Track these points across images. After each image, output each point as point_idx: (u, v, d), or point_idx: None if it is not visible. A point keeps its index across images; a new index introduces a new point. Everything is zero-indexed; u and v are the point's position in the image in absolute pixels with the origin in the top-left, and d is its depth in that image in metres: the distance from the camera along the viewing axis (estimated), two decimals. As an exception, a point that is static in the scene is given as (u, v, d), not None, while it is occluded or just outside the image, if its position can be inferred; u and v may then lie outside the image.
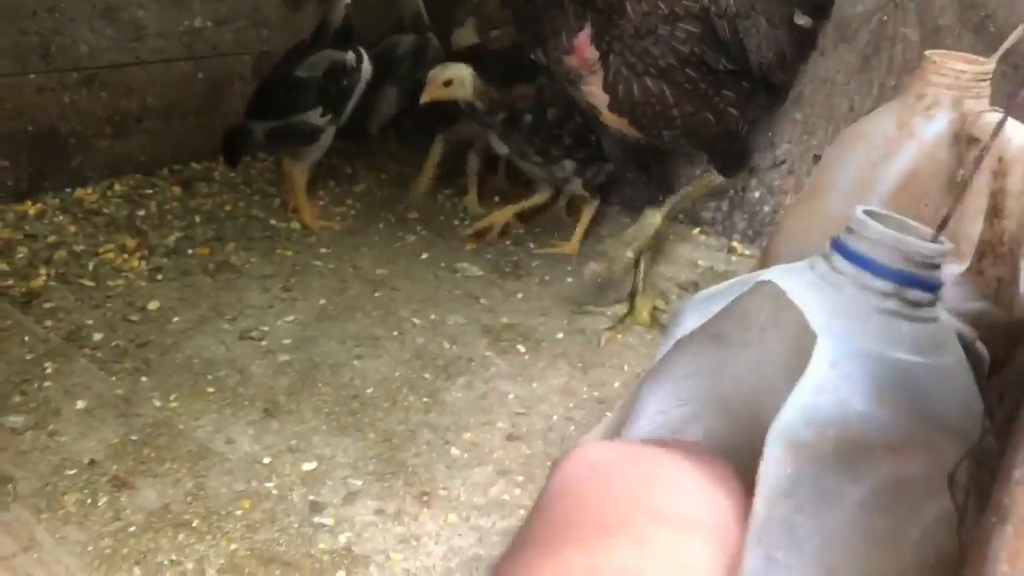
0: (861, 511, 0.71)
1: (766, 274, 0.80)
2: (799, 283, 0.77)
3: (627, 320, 2.10)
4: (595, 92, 1.82)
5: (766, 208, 2.52)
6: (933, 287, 0.74)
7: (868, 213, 0.78)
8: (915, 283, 0.73)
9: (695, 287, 2.29)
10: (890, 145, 1.17)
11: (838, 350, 0.71)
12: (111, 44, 2.36)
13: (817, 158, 2.40)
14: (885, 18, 2.20)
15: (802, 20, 2.14)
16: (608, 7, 1.70)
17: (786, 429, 0.73)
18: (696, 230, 2.63)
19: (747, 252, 2.53)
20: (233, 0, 2.57)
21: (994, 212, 1.11)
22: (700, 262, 2.45)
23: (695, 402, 0.89)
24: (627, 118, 1.86)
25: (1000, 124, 0.88)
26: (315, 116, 2.24)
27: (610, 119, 1.88)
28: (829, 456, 0.71)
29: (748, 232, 2.56)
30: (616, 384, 1.85)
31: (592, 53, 1.75)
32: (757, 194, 2.52)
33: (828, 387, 0.71)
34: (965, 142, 1.14)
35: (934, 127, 1.16)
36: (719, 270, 2.41)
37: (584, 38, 1.74)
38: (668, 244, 2.55)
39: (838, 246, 0.78)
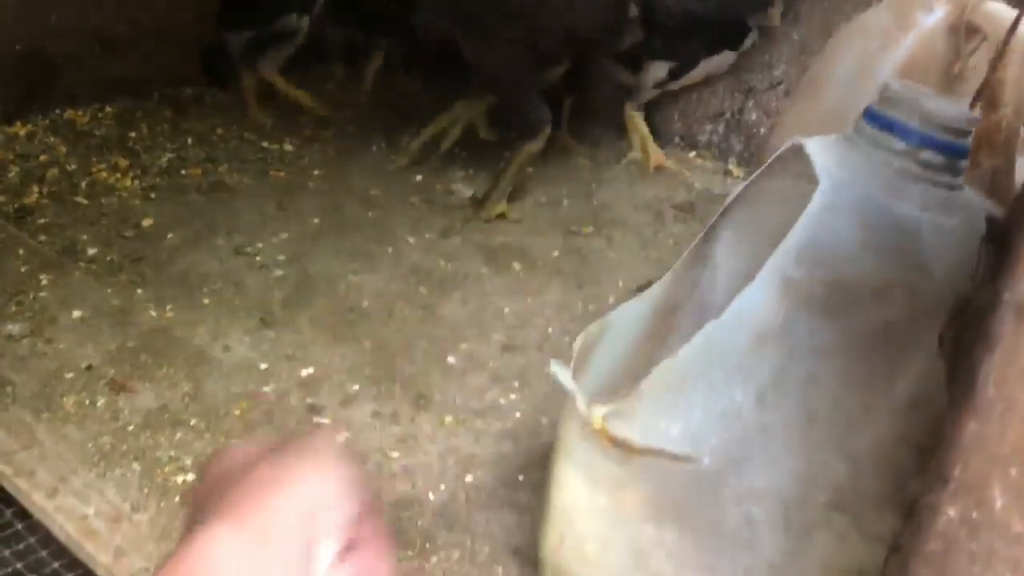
0: (845, 357, 0.73)
1: (797, 139, 0.82)
2: (820, 143, 0.80)
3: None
4: None
5: (763, 130, 2.50)
6: (953, 151, 0.75)
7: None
8: (932, 144, 0.74)
9: (691, 208, 2.29)
10: (889, 36, 1.16)
11: (837, 195, 0.73)
12: (100, -37, 2.32)
13: (814, 79, 2.38)
14: (885, -67, 2.17)
15: None
16: None
17: (779, 266, 0.77)
18: (692, 153, 2.62)
19: (743, 174, 2.52)
20: (223, -82, 2.51)
21: (990, 102, 1.11)
22: (696, 184, 2.44)
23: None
24: None
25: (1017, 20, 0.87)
26: (293, 20, 2.23)
27: None
28: (818, 297, 0.73)
29: (745, 155, 2.55)
30: (611, 299, 1.85)
31: None
32: (754, 116, 2.51)
33: (821, 228, 0.73)
34: (964, 32, 1.13)
35: (931, 17, 1.15)
36: (715, 192, 2.40)
37: None
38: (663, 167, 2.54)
39: (867, 112, 0.80)
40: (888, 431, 0.75)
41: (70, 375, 1.42)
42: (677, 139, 2.66)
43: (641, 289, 1.89)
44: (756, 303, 0.78)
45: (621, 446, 0.82)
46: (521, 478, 1.31)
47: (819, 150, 0.80)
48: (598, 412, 0.83)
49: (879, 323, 0.73)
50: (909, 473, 0.73)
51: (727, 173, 2.52)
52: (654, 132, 2.60)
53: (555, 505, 0.91)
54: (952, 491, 0.59)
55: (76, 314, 1.58)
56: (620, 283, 1.91)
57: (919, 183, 0.75)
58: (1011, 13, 1.08)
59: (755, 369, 0.77)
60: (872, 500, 0.75)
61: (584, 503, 0.86)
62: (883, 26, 1.17)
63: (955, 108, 0.74)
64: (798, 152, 0.84)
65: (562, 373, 0.88)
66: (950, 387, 0.71)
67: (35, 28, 2.26)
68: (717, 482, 0.78)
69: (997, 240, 0.72)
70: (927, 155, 0.75)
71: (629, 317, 1.06)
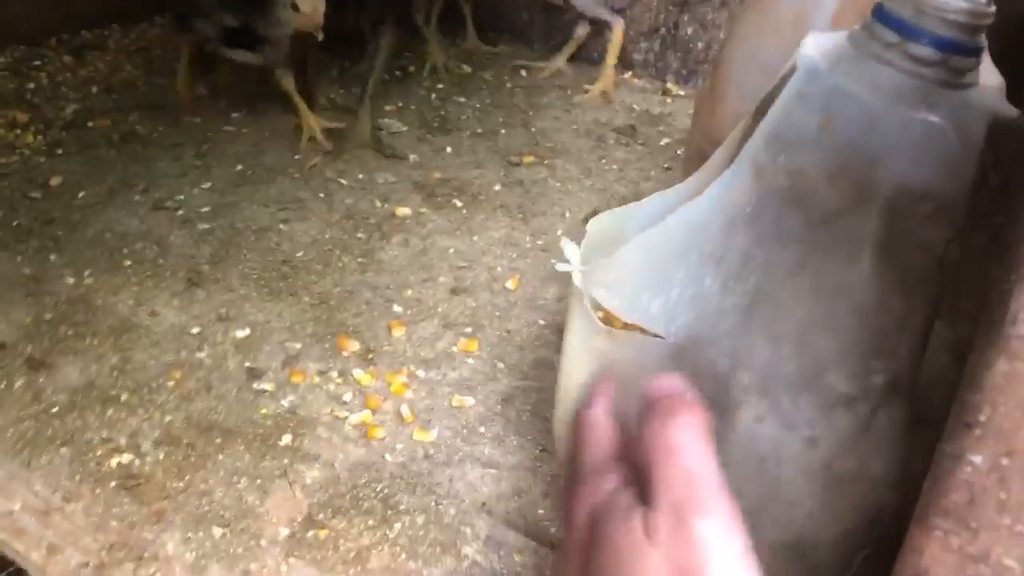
0: (797, 244, 0.75)
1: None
2: (821, 38, 0.80)
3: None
4: None
5: (699, 45, 2.43)
6: (949, 46, 0.69)
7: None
8: (921, 37, 0.68)
9: (632, 131, 2.21)
10: (845, -65, 1.08)
11: (809, 83, 0.74)
12: None
13: (750, -12, 2.29)
14: None
15: None
16: None
17: (751, 151, 0.79)
18: (628, 74, 2.53)
19: (682, 92, 2.45)
20: None
21: None
22: (635, 106, 2.37)
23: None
24: None
25: None
26: None
27: None
28: (783, 185, 0.75)
29: (682, 72, 2.47)
30: (559, 231, 1.78)
31: None
32: (690, 30, 2.42)
33: (789, 116, 0.75)
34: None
35: (892, -87, 1.07)
36: (655, 112, 2.33)
37: None
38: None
39: (875, 7, 0.76)
40: (809, 318, 0.75)
41: (-19, 356, 1.30)
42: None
43: (590, 219, 1.83)
44: (731, 188, 0.80)
45: (611, 320, 0.85)
46: (483, 430, 1.24)
47: (813, 43, 0.78)
48: (594, 286, 0.87)
49: (828, 212, 0.72)
50: (827, 363, 0.74)
51: (665, 92, 2.45)
52: (580, 53, 2.52)
53: (561, 384, 0.92)
54: (978, 437, 0.54)
55: (-18, 288, 1.44)
56: (566, 214, 1.84)
57: (905, 77, 0.71)
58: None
59: (724, 254, 0.79)
60: (789, 385, 0.75)
61: (577, 375, 0.88)
62: (840, -76, 1.09)
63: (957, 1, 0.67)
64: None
65: (569, 247, 0.92)
66: (975, 321, 0.66)
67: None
68: (680, 362, 0.80)
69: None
70: (916, 48, 0.70)
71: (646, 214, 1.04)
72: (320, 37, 1.81)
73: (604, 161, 2.07)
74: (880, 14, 0.73)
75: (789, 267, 0.76)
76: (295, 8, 1.77)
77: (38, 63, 2.25)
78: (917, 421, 0.70)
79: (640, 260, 0.87)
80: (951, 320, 0.74)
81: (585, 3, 2.37)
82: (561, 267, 0.95)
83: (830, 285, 0.74)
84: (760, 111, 0.94)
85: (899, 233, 0.71)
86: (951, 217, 0.71)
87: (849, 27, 0.89)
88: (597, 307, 0.89)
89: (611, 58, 2.42)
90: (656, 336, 0.83)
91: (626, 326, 0.86)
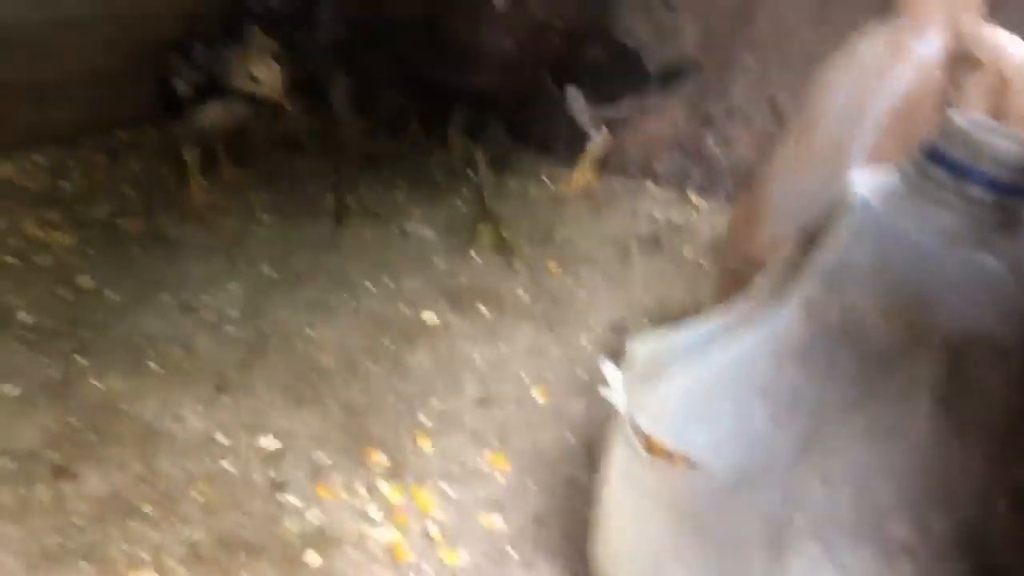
0: (849, 381, 0.73)
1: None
2: (872, 173, 0.82)
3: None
4: None
5: (721, 159, 2.46)
6: (1007, 190, 0.70)
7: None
8: (980, 180, 0.69)
9: (656, 241, 2.23)
10: (882, 68, 1.11)
11: (862, 221, 0.75)
12: (29, 7, 2.17)
13: (772, 105, 2.34)
14: (840, -43, 2.14)
15: None
16: None
17: (805, 289, 0.79)
18: (651, 184, 2.56)
19: (704, 204, 2.47)
20: (156, -43, 2.40)
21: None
22: (657, 215, 2.38)
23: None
24: None
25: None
26: None
27: None
28: (836, 321, 0.75)
29: (705, 184, 2.49)
30: (583, 341, 1.77)
31: None
32: (712, 145, 2.46)
33: (845, 254, 0.75)
34: (961, 61, 1.08)
35: (927, 47, 1.10)
36: (677, 223, 2.35)
37: None
38: (622, 198, 2.48)
39: (922, 145, 0.78)
40: (866, 460, 0.74)
41: (7, 463, 1.28)
42: (635, 170, 2.60)
43: (616, 331, 1.82)
44: (780, 322, 0.80)
45: (654, 448, 0.85)
46: (513, 553, 1.21)
47: (863, 181, 0.79)
48: (637, 412, 0.87)
49: (883, 352, 0.72)
50: (886, 509, 0.72)
51: (688, 203, 2.47)
52: (606, 162, 2.56)
53: (599, 503, 0.93)
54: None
55: (11, 391, 1.44)
56: (593, 323, 1.83)
57: (959, 218, 0.71)
58: (1009, 39, 1.04)
59: (774, 390, 0.78)
60: (846, 531, 0.74)
61: (618, 503, 0.89)
62: (877, 57, 1.11)
63: (1013, 144, 0.68)
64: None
65: (609, 370, 0.94)
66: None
67: (-42, 77, 2.11)
68: (727, 496, 0.79)
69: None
70: (972, 190, 0.71)
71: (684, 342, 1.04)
72: (287, 106, 1.90)
73: (629, 271, 2.08)
74: (934, 154, 0.74)
75: (843, 406, 0.75)
76: (253, 79, 1.86)
77: (74, 163, 2.29)
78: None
79: (686, 390, 0.87)
80: (1013, 467, 0.72)
81: (576, 110, 2.41)
82: (604, 392, 0.94)
83: (886, 427, 0.73)
84: (806, 242, 0.94)
85: (958, 376, 0.70)
86: (1010, 361, 0.70)
87: (888, 158, 0.90)
88: (639, 432, 0.88)
89: (584, 162, 2.47)
90: (703, 469, 0.81)
91: (670, 456, 0.84)
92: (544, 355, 1.71)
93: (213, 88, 1.96)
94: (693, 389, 0.86)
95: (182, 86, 1.99)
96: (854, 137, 1.09)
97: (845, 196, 0.80)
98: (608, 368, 0.95)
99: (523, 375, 1.64)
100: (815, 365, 0.77)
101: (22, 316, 1.66)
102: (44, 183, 2.17)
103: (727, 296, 1.36)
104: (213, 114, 1.99)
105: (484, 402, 1.55)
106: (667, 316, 1.87)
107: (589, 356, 1.72)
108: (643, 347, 1.00)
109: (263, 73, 1.80)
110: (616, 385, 0.93)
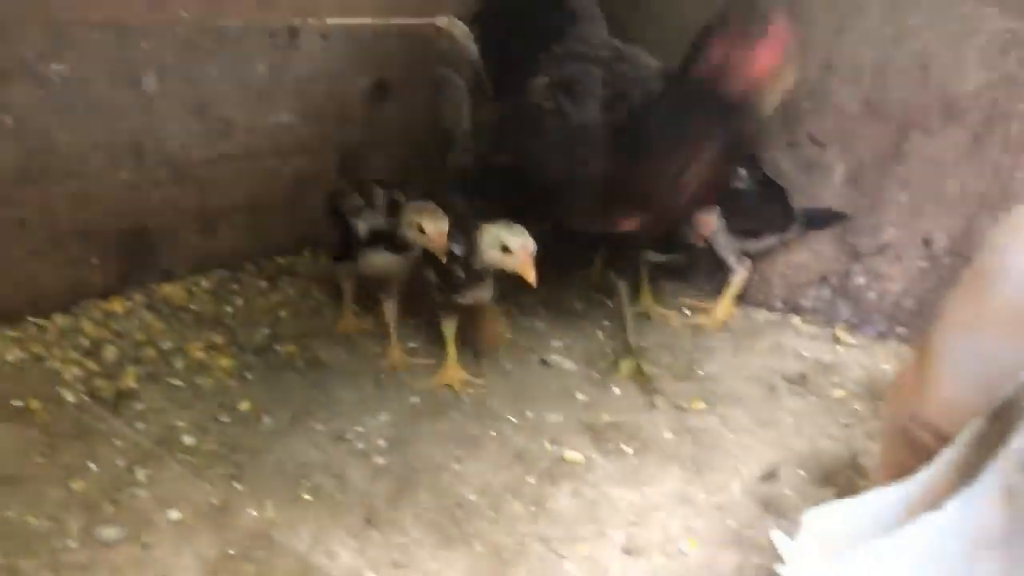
0: None
1: None
2: None
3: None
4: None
5: (872, 295, 2.39)
6: None
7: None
8: None
9: (804, 379, 2.16)
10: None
11: None
12: (200, 140, 2.36)
13: (926, 242, 2.28)
14: (997, 95, 2.10)
15: None
16: None
17: (1002, 472, 0.76)
18: (797, 318, 2.50)
19: (853, 341, 2.39)
20: (319, 96, 2.57)
21: None
22: (804, 352, 2.32)
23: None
24: None
25: None
26: None
27: None
28: None
29: (853, 320, 2.43)
30: (735, 488, 1.71)
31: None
32: (862, 280, 2.40)
33: None
34: None
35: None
36: (826, 361, 2.28)
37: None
38: (766, 332, 2.43)
39: None
40: None
41: (169, 590, 1.33)
42: (779, 304, 2.56)
43: (767, 479, 1.76)
44: (975, 508, 0.77)
45: None
46: None
47: None
48: None
49: None
50: None
51: (836, 340, 2.40)
52: (749, 294, 2.53)
53: None
54: None
55: (174, 515, 1.49)
56: (742, 469, 1.78)
57: None
58: None
59: None
60: None
61: None
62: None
63: None
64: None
65: (782, 543, 0.92)
66: None
67: (139, 207, 2.28)
68: None
69: None
70: None
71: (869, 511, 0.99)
72: (443, 259, 1.87)
73: (777, 412, 2.02)
74: None
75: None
76: (421, 231, 1.87)
77: (236, 287, 2.42)
78: None
79: (870, 573, 0.82)
80: None
81: (719, 243, 2.40)
82: (779, 569, 0.91)
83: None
84: (1000, 417, 0.90)
85: None
86: None
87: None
88: None
89: (727, 297, 2.47)
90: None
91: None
92: (691, 502, 1.66)
93: (382, 235, 2.02)
94: (877, 573, 0.82)
95: (361, 227, 2.04)
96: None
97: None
98: (781, 542, 0.91)
99: (670, 523, 1.60)
100: (1017, 559, 0.72)
101: (186, 439, 1.74)
102: (209, 306, 2.30)
103: (894, 456, 1.30)
104: (383, 260, 2.03)
105: (630, 551, 1.51)
106: (821, 464, 1.80)
107: (740, 505, 1.66)
108: (818, 521, 0.96)
109: (431, 227, 1.84)
110: (790, 560, 0.89)
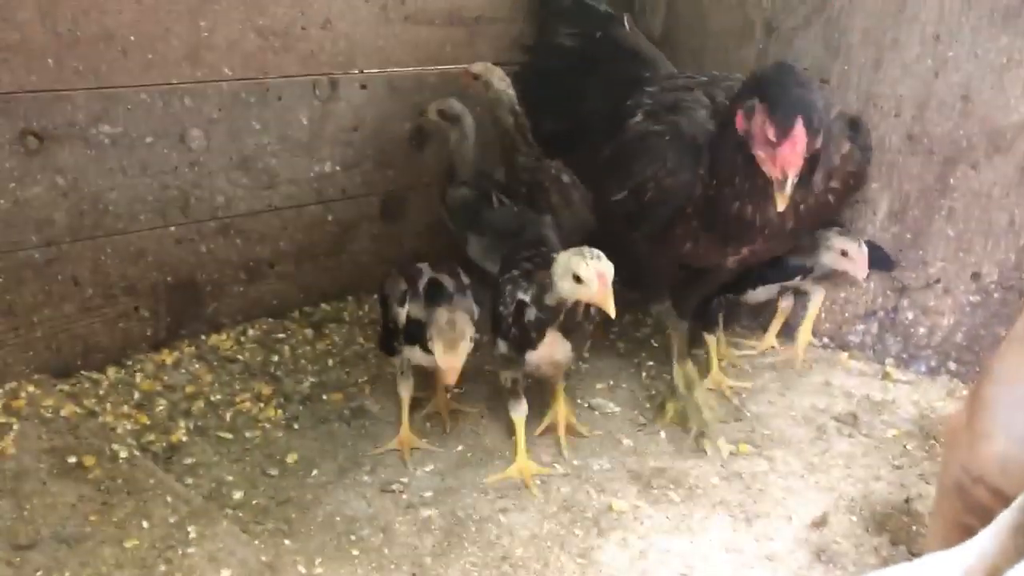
0: None
1: None
2: None
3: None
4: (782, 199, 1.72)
5: (921, 330, 2.35)
6: None
7: None
8: None
9: (854, 419, 2.12)
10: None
11: None
12: (246, 193, 2.41)
13: (975, 276, 2.24)
14: (1044, 127, 2.07)
15: None
16: None
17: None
18: (844, 355, 2.47)
19: (903, 378, 2.35)
20: (360, 144, 2.61)
21: None
22: (853, 391, 2.28)
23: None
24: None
25: None
26: None
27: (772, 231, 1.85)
28: None
29: (903, 356, 2.39)
30: (787, 537, 1.69)
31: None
32: (911, 315, 2.36)
33: None
34: None
35: None
36: (876, 399, 2.24)
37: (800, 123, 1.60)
38: (814, 370, 2.40)
39: None
40: None
41: (221, 654, 1.34)
42: (825, 339, 2.52)
43: (817, 526, 1.73)
44: (988, 551, 0.81)
45: None
46: None
47: None
48: None
49: None
50: None
51: (885, 376, 2.36)
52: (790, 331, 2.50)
53: None
54: None
55: (225, 573, 1.51)
56: (792, 517, 1.75)
57: None
58: None
59: None
60: None
61: None
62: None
63: None
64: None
65: None
66: None
67: (187, 260, 2.33)
68: None
69: None
70: None
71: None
72: (613, 313, 1.65)
73: (827, 454, 1.98)
74: None
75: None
76: (576, 280, 1.64)
77: (282, 336, 2.46)
78: None
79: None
80: None
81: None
82: None
83: None
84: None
85: None
86: None
87: None
88: None
89: (772, 332, 2.47)
90: None
91: None
92: (741, 551, 1.64)
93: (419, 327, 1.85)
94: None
95: (401, 316, 1.90)
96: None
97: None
98: None
99: (720, 574, 1.58)
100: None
101: (235, 494, 1.76)
102: (256, 356, 2.33)
103: (950, 510, 1.28)
104: (421, 358, 1.89)
105: (681, 604, 1.49)
106: (873, 509, 1.77)
107: (790, 555, 1.64)
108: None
109: (588, 272, 1.63)
110: None
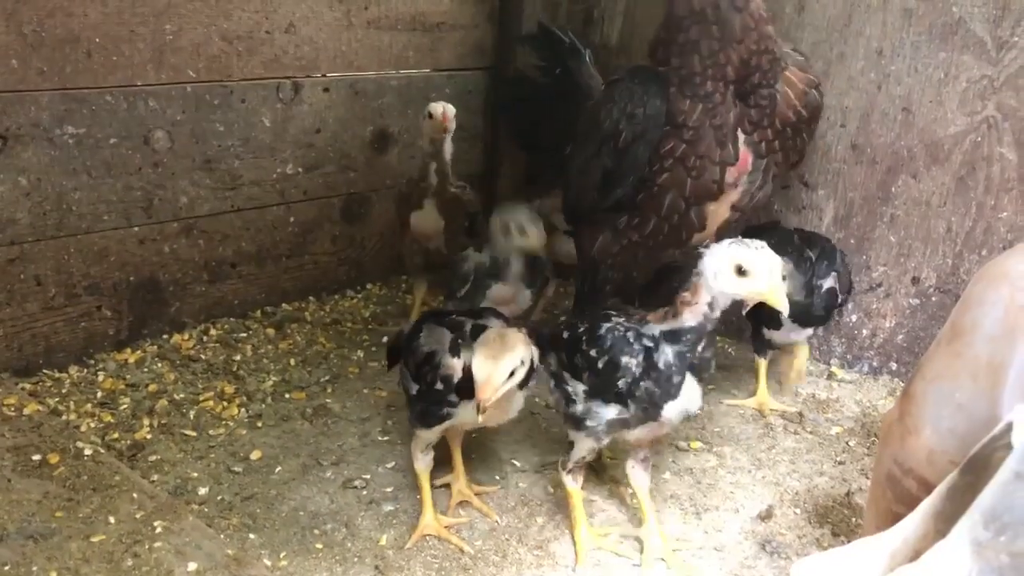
0: None
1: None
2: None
3: None
4: (720, 210, 1.82)
5: (864, 332, 2.45)
6: None
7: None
8: None
9: (800, 417, 2.21)
10: (1035, 290, 1.12)
11: None
12: (209, 194, 2.44)
13: (915, 280, 2.34)
14: (979, 139, 2.17)
15: None
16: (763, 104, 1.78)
17: (970, 528, 0.80)
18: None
19: (847, 377, 2.45)
20: (322, 146, 2.65)
21: None
22: (800, 389, 2.37)
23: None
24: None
25: None
26: None
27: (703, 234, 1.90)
28: (1005, 564, 0.74)
29: (847, 356, 2.49)
30: (735, 529, 1.77)
31: (750, 161, 1.76)
32: (854, 318, 2.46)
33: (1009, 495, 0.76)
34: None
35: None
36: (821, 397, 2.33)
37: (744, 146, 1.73)
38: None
39: None
40: None
41: (190, 644, 1.37)
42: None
43: (763, 518, 1.81)
44: (946, 560, 0.80)
45: None
46: None
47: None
48: None
49: None
50: None
51: (830, 376, 2.45)
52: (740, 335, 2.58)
53: None
54: None
55: (192, 566, 1.54)
56: (740, 510, 1.83)
57: None
58: None
59: None
60: None
61: None
62: (1029, 278, 1.14)
63: None
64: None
65: None
66: None
67: (149, 260, 2.36)
68: None
69: None
70: None
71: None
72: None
73: (773, 450, 2.07)
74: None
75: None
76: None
77: (244, 335, 2.49)
78: None
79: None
80: None
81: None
82: None
83: None
84: (969, 470, 0.95)
85: None
86: None
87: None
88: None
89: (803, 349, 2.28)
90: None
91: None
92: (691, 542, 1.72)
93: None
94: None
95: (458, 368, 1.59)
96: (1013, 352, 1.10)
97: (1007, 436, 0.81)
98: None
99: (670, 565, 1.65)
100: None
101: (200, 490, 1.80)
102: (218, 355, 2.37)
103: (882, 500, 1.36)
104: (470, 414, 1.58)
105: (633, 593, 1.56)
106: (815, 503, 1.86)
107: (737, 546, 1.72)
108: (806, 571, 1.01)
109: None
110: None
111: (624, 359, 1.53)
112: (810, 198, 2.47)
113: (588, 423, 1.60)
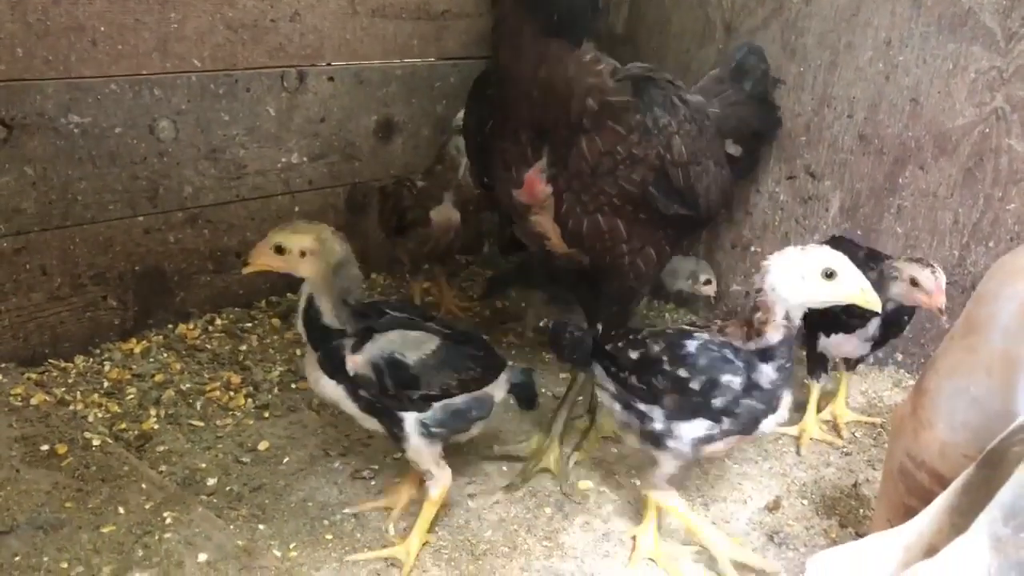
0: None
1: None
2: None
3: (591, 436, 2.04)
4: (544, 223, 1.77)
5: (870, 322, 2.45)
6: None
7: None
8: None
9: (805, 407, 2.21)
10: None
11: None
12: (214, 183, 2.43)
13: (922, 271, 2.34)
14: (987, 130, 2.17)
15: (732, 149, 2.12)
16: (565, 144, 1.65)
17: (988, 521, 0.81)
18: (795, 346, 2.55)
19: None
20: (327, 135, 2.64)
21: None
22: (804, 379, 2.37)
23: None
24: (578, 248, 1.80)
25: None
26: None
27: (560, 248, 1.82)
28: None
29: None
30: (743, 520, 1.77)
31: (544, 189, 1.70)
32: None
33: None
34: None
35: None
36: (827, 388, 2.32)
37: (535, 174, 1.69)
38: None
39: None
40: None
41: (201, 634, 1.38)
42: (780, 330, 2.61)
43: (771, 509, 1.82)
44: (965, 555, 0.81)
45: None
46: None
47: None
48: None
49: None
50: None
51: (835, 367, 2.45)
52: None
53: None
54: None
55: (202, 557, 1.54)
56: (747, 501, 1.83)
57: None
58: None
59: None
60: None
61: None
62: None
63: None
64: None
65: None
66: None
67: (155, 250, 2.35)
68: None
69: None
70: None
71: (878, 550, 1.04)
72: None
73: (780, 441, 2.07)
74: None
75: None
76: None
77: (249, 325, 2.49)
78: None
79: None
80: None
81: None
82: None
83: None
84: (986, 465, 0.95)
85: None
86: None
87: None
88: None
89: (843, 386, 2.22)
90: None
91: None
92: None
93: None
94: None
95: None
96: (1024, 353, 1.10)
97: (1024, 431, 0.81)
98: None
99: (679, 555, 1.65)
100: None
101: (209, 481, 1.80)
102: (224, 345, 2.36)
103: (894, 493, 1.36)
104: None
105: (643, 584, 1.57)
106: (822, 494, 1.86)
107: (746, 537, 1.72)
108: (822, 567, 1.01)
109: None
110: None
111: (725, 377, 1.48)
112: (817, 188, 2.46)
113: (670, 443, 1.55)
